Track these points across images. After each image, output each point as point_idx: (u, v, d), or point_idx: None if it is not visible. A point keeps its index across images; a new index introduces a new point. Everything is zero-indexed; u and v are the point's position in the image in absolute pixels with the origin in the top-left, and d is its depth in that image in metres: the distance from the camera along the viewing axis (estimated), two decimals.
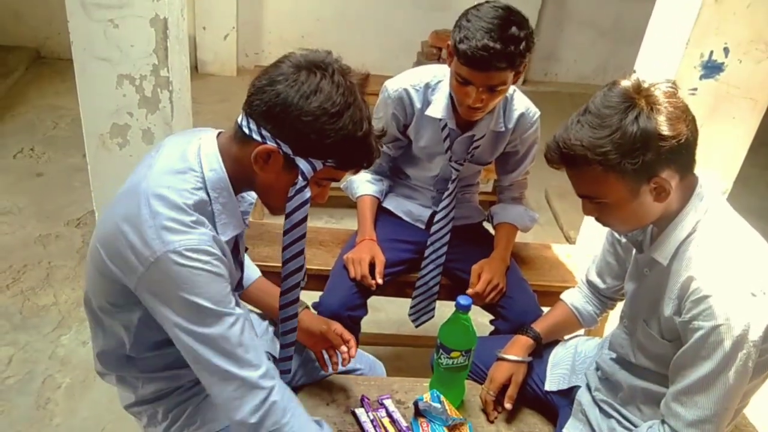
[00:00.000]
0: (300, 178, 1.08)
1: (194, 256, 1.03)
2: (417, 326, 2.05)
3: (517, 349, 1.53)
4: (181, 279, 1.02)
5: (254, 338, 1.12)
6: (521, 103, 1.83)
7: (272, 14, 4.82)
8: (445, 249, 1.92)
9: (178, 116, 2.25)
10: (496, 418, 1.50)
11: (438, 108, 1.78)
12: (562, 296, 1.62)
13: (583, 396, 1.47)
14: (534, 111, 1.85)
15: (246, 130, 1.07)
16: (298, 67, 1.05)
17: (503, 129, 1.82)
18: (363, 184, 1.99)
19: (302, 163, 1.07)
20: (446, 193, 1.90)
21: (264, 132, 1.06)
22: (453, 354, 1.42)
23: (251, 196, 1.26)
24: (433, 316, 2.01)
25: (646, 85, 1.12)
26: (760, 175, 2.67)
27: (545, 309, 1.68)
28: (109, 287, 1.12)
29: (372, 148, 1.10)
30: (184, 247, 1.02)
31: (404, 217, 2.02)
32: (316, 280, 2.05)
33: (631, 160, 1.08)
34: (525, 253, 2.21)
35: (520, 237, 2.04)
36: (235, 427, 1.12)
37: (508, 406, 1.48)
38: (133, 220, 1.04)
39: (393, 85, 1.83)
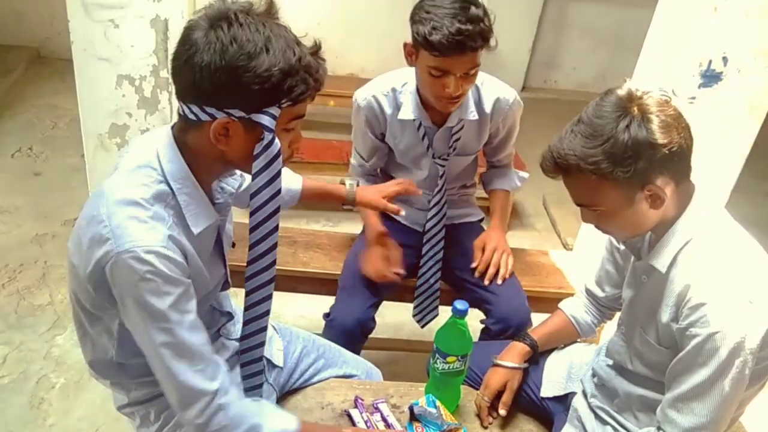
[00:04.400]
0: (265, 133, 1.03)
1: (145, 257, 1.00)
2: (423, 326, 2.05)
3: (513, 355, 1.53)
4: (133, 280, 1.01)
5: (204, 342, 1.10)
6: (494, 88, 1.84)
7: None
8: (441, 245, 1.93)
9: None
10: (490, 423, 1.49)
11: (408, 110, 1.79)
12: (561, 305, 1.62)
13: (579, 402, 1.46)
14: (509, 94, 1.85)
15: (191, 117, 1.03)
16: (202, 29, 0.99)
17: (477, 117, 1.82)
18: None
19: (260, 118, 1.02)
20: (436, 189, 1.90)
21: (208, 110, 1.01)
22: (449, 359, 1.42)
23: (231, 186, 1.23)
24: (437, 314, 2.00)
25: (638, 94, 1.12)
26: (757, 185, 2.68)
27: (543, 315, 1.67)
28: (83, 290, 1.11)
29: (313, 67, 1.03)
30: (136, 248, 1.00)
31: (402, 221, 2.02)
32: (313, 284, 2.05)
33: (623, 169, 1.09)
34: (522, 259, 2.21)
35: (517, 242, 2.04)
36: (184, 424, 1.14)
37: (502, 412, 1.48)
38: (93, 220, 1.03)
39: (361, 95, 1.84)
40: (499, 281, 1.87)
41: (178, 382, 1.08)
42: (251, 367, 1.30)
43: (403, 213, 1.83)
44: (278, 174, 1.08)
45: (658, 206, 1.15)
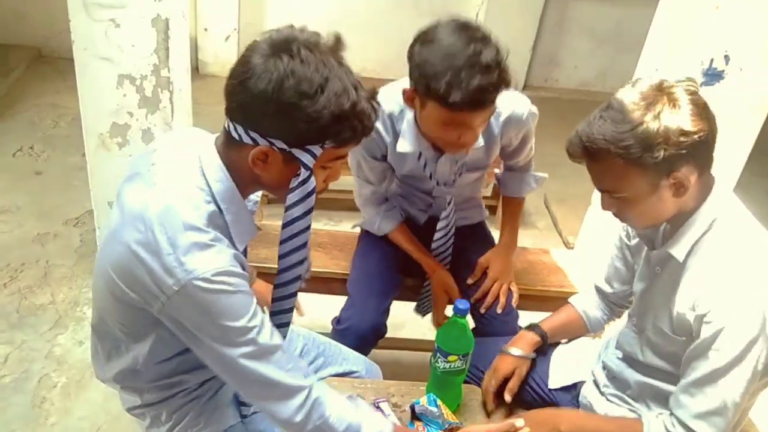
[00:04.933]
0: (302, 169, 1.04)
1: (218, 279, 1.00)
2: (424, 316, 2.04)
3: (522, 344, 1.54)
4: (208, 305, 1.01)
5: (282, 339, 1.12)
6: (506, 104, 1.66)
7: (274, 16, 4.82)
8: (449, 257, 1.90)
9: (179, 117, 2.25)
10: (494, 409, 1.50)
11: (407, 142, 1.65)
12: (571, 300, 1.63)
13: (589, 390, 1.48)
14: (521, 108, 1.70)
15: (235, 136, 1.03)
16: (264, 55, 0.98)
17: (484, 142, 1.68)
18: (383, 221, 1.88)
19: (300, 154, 1.02)
20: (443, 214, 1.82)
21: (252, 134, 1.01)
22: (450, 358, 1.42)
23: (256, 194, 1.23)
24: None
25: (668, 83, 1.14)
26: (759, 183, 2.67)
27: (544, 314, 1.67)
28: (124, 312, 1.10)
29: (366, 114, 1.02)
30: (208, 273, 0.99)
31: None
32: (315, 282, 2.05)
33: (652, 155, 1.10)
34: (524, 258, 2.21)
35: (519, 241, 2.03)
36: (282, 426, 1.15)
37: (507, 398, 1.49)
38: (151, 248, 1.00)
39: None
40: (499, 310, 1.82)
41: (273, 383, 1.08)
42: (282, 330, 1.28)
43: None
44: (311, 210, 1.09)
45: (681, 194, 1.16)
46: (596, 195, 2.29)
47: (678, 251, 1.23)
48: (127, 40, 2.05)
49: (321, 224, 3.08)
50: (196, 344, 1.07)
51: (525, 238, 3.31)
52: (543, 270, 2.17)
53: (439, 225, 1.85)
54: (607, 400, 1.43)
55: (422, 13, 4.83)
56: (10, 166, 3.39)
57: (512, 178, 1.95)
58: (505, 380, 1.50)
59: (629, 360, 1.41)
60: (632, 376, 1.39)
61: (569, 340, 1.63)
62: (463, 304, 1.40)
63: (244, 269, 1.08)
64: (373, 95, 1.05)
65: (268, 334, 1.08)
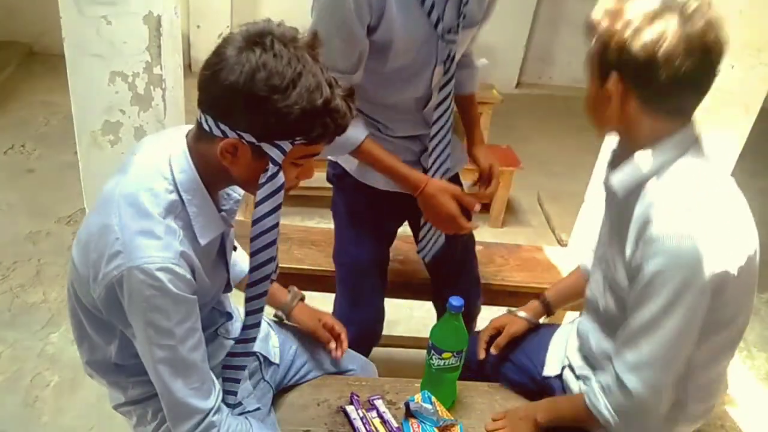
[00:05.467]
0: (270, 164, 1.02)
1: (157, 274, 1.00)
2: (429, 262, 1.82)
3: (525, 308, 1.62)
4: (142, 296, 1.01)
5: (202, 360, 1.12)
6: None
7: (267, 13, 4.79)
8: (448, 152, 1.65)
9: (171, 114, 2.24)
10: (484, 359, 1.57)
11: None
12: (580, 263, 1.63)
13: (567, 374, 1.49)
14: None
15: (206, 127, 1.02)
16: (237, 48, 0.96)
17: None
18: (350, 128, 1.42)
19: (270, 149, 1.01)
20: (443, 81, 1.55)
21: (222, 126, 1.00)
22: (444, 355, 1.42)
23: (237, 192, 1.22)
24: (443, 243, 1.78)
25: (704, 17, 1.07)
26: (749, 182, 2.70)
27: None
28: (90, 296, 1.10)
29: (340, 112, 1.00)
30: (148, 264, 0.99)
31: (389, 189, 1.65)
32: (311, 281, 2.05)
33: (602, 53, 1.11)
34: (518, 255, 2.21)
35: (512, 238, 2.04)
36: None
37: (493, 351, 1.55)
38: (104, 230, 1.02)
39: None
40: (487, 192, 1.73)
41: (174, 398, 1.09)
42: (252, 331, 1.27)
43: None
44: (279, 206, 1.08)
45: (607, 108, 1.13)
46: (589, 192, 2.30)
47: (618, 184, 1.19)
48: (119, 37, 2.04)
49: (314, 222, 3.08)
50: (132, 333, 1.08)
51: (519, 236, 3.32)
52: (537, 267, 2.18)
53: (439, 98, 1.56)
54: (583, 382, 1.42)
55: None
56: (2, 164, 3.37)
57: (464, 74, 1.71)
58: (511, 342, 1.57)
59: (594, 313, 1.38)
60: (596, 340, 1.36)
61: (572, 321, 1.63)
62: (457, 301, 1.40)
63: (193, 270, 1.07)
64: (350, 94, 1.03)
65: (189, 348, 1.08)
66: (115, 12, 2.02)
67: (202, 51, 4.82)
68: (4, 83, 4.18)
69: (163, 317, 1.03)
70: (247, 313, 1.21)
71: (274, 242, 1.12)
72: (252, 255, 1.13)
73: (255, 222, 1.09)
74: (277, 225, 1.10)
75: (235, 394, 1.28)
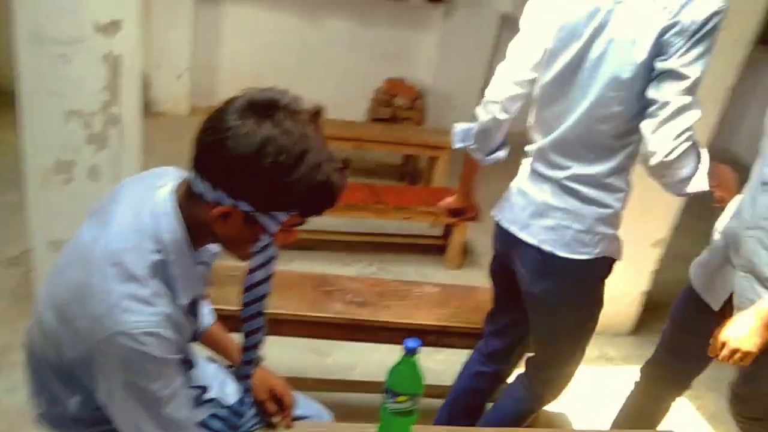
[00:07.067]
0: (263, 234, 1.04)
1: (143, 339, 0.98)
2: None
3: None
4: (128, 361, 0.99)
5: (188, 414, 1.12)
6: None
7: (227, 55, 4.84)
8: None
9: (128, 154, 2.22)
10: None
11: None
12: None
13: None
14: None
15: (198, 189, 1.01)
16: (244, 114, 0.96)
17: None
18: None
19: (264, 219, 1.02)
20: None
21: (218, 192, 0.99)
22: (399, 398, 1.41)
23: (214, 246, 1.20)
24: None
25: None
26: (693, 225, 2.81)
27: None
28: (60, 354, 1.08)
29: (335, 189, 1.03)
30: (135, 330, 0.98)
31: None
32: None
33: None
34: (473, 297, 2.23)
35: (468, 279, 2.05)
36: None
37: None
38: (86, 290, 0.99)
39: None
40: None
41: None
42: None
43: None
44: (273, 275, 1.11)
45: None
46: None
47: None
48: (78, 76, 2.03)
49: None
50: (105, 394, 1.06)
51: (475, 277, 3.35)
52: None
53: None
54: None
55: (376, 57, 4.94)
56: None
57: None
58: None
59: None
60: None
61: None
62: (413, 342, 1.40)
63: (179, 329, 1.07)
64: (345, 165, 1.05)
65: (176, 407, 1.07)
66: (75, 51, 2.01)
67: (162, 91, 4.81)
68: None
69: (148, 380, 1.02)
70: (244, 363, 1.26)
71: (263, 313, 1.16)
72: (245, 320, 1.16)
73: (248, 288, 1.12)
74: (267, 294, 1.14)
75: None
